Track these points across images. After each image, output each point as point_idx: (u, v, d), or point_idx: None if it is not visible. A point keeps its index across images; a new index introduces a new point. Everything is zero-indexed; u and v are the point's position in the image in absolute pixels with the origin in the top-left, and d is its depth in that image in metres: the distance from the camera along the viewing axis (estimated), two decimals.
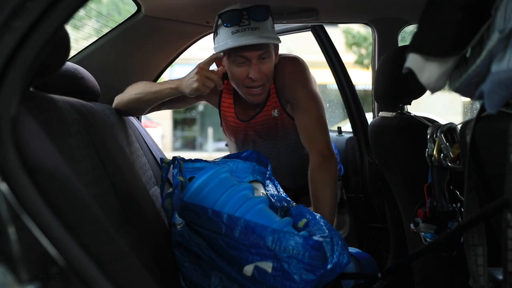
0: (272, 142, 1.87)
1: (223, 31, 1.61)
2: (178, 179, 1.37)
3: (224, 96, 1.86)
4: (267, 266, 1.11)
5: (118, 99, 1.75)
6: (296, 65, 1.78)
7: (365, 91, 8.43)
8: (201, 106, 14.73)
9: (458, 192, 1.38)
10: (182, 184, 1.34)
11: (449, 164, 1.30)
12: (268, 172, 1.64)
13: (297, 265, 1.09)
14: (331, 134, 1.99)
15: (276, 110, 1.82)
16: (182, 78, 1.59)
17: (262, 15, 1.60)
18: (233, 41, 1.57)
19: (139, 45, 2.04)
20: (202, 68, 1.54)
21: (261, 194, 1.54)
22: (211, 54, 1.62)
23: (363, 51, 12.07)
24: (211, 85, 1.54)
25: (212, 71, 1.56)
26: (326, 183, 1.67)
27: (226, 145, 2.30)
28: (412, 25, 2.28)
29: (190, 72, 1.57)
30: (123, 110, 1.76)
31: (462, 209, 1.20)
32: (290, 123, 1.83)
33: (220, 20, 1.62)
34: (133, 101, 1.70)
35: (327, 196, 1.66)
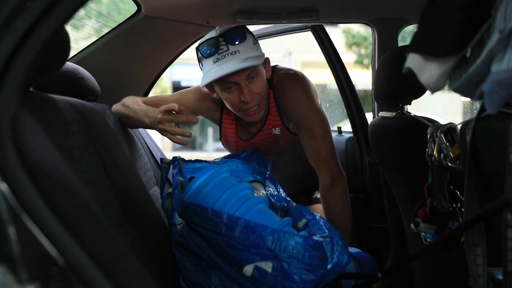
0: (272, 157, 1.86)
1: (205, 63, 1.60)
2: (177, 179, 1.37)
3: (226, 113, 1.83)
4: (267, 266, 1.11)
5: (114, 110, 1.73)
6: (296, 83, 1.74)
7: (365, 91, 8.43)
8: None
9: (458, 192, 1.38)
10: (182, 184, 1.34)
11: (449, 164, 1.30)
12: (268, 172, 1.65)
13: (297, 265, 1.09)
14: None
15: (277, 129, 1.78)
16: (150, 113, 1.56)
17: (239, 37, 1.57)
18: (215, 72, 1.55)
19: (139, 45, 2.04)
20: (162, 121, 1.51)
21: (261, 194, 1.54)
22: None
23: (363, 51, 12.07)
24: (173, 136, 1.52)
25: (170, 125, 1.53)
26: (338, 203, 1.67)
27: None
28: (412, 25, 2.28)
29: (154, 113, 1.55)
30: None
31: (462, 209, 1.20)
32: (293, 139, 1.80)
33: (199, 53, 1.62)
34: (120, 119, 1.70)
35: (339, 216, 1.65)
